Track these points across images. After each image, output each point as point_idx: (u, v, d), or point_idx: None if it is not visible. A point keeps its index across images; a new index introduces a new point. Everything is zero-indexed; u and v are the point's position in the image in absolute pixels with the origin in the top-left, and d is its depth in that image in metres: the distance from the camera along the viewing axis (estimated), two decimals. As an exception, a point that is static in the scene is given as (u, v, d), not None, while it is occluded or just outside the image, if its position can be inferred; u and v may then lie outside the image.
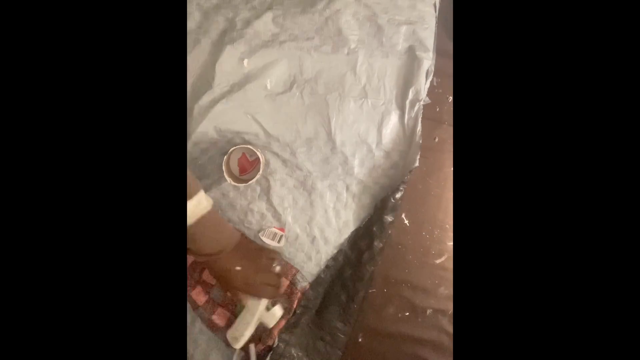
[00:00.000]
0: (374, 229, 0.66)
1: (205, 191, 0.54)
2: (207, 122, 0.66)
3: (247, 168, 0.65)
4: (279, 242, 0.66)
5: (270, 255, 0.60)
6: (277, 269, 0.61)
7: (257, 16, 0.66)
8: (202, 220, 0.49)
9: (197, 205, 0.49)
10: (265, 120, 0.67)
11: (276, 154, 0.66)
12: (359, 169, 0.67)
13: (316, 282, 0.66)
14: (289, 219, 0.66)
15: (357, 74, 0.66)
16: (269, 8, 0.66)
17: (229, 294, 0.63)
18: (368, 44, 0.67)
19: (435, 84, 0.68)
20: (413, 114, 0.67)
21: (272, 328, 0.62)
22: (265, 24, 0.66)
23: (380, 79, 0.67)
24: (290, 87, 0.66)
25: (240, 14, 0.65)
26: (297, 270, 0.65)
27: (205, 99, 0.66)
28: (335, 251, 0.66)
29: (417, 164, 0.65)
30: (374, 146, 0.67)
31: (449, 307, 0.68)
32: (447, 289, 0.68)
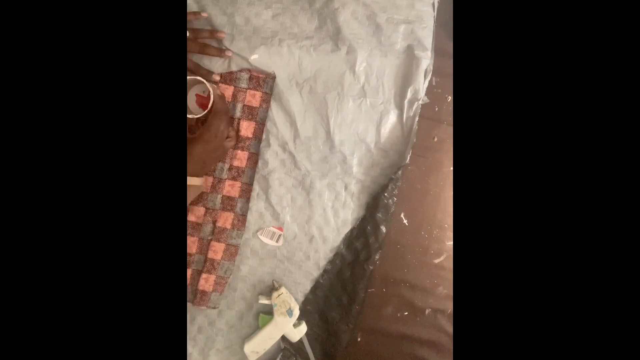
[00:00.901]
0: (368, 228, 0.66)
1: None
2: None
3: (206, 103, 0.63)
4: (277, 241, 0.66)
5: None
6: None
7: (257, 13, 0.66)
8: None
9: None
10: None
11: (275, 153, 0.66)
12: (357, 168, 0.67)
13: (315, 287, 0.66)
14: (287, 218, 0.66)
15: (356, 73, 0.66)
16: (268, 6, 0.66)
17: None
18: (367, 43, 0.66)
19: (434, 83, 0.68)
20: (412, 114, 0.67)
21: None
22: (264, 22, 0.66)
23: (379, 78, 0.67)
24: (289, 86, 0.66)
25: (239, 11, 0.65)
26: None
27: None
28: (331, 254, 0.66)
29: (407, 161, 0.65)
30: (372, 145, 0.67)
31: (448, 306, 0.68)
32: (446, 289, 0.68)
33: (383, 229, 0.65)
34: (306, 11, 0.66)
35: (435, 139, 0.69)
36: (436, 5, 0.68)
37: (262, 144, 0.66)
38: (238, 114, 0.66)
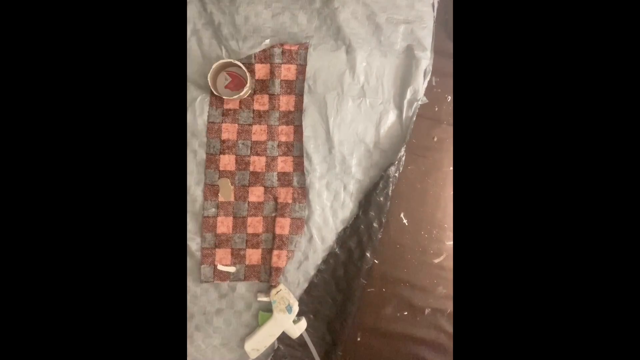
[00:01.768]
0: (362, 227, 0.66)
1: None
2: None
3: (240, 84, 0.66)
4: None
5: None
6: None
7: (256, 13, 0.65)
8: None
9: None
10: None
11: None
12: (356, 168, 0.67)
13: (310, 287, 0.66)
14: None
15: (356, 73, 0.66)
16: (268, 5, 0.66)
17: None
18: (367, 43, 0.66)
19: (434, 83, 0.68)
20: (411, 114, 0.67)
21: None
22: (264, 21, 0.66)
23: (379, 78, 0.67)
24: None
25: (239, 9, 0.65)
26: None
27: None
28: (325, 254, 0.67)
29: (398, 158, 0.65)
30: (371, 145, 0.67)
31: (447, 306, 0.68)
32: (445, 288, 0.68)
33: (376, 226, 0.66)
34: (306, 10, 0.66)
35: (435, 139, 0.69)
36: (436, 5, 0.68)
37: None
38: (277, 90, 0.66)
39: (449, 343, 0.68)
